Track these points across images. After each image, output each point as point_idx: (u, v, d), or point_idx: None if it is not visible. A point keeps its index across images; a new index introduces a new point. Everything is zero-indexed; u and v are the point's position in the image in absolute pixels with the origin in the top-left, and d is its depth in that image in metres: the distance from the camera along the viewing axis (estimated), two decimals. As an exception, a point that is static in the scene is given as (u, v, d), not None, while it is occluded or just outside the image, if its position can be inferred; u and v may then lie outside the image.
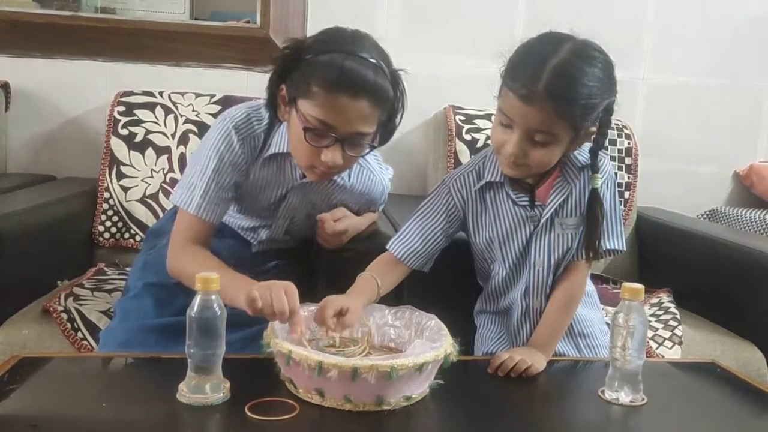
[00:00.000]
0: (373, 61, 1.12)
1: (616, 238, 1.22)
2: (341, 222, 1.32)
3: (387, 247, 1.21)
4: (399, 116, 1.24)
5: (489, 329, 1.29)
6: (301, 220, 1.38)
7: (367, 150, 1.20)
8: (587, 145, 1.16)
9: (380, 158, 1.46)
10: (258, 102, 1.28)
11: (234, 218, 1.40)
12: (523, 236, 1.20)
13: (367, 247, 1.36)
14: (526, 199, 1.19)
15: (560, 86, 1.02)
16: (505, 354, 1.09)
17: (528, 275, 1.21)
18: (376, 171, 1.41)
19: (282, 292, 0.98)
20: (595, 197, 1.15)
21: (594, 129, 1.11)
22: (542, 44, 1.07)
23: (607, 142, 1.19)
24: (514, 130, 1.07)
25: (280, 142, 1.26)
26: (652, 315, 1.59)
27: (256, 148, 1.27)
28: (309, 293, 1.32)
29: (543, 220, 1.18)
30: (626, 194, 1.98)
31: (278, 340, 0.92)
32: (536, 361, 1.08)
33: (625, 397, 0.97)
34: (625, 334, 0.96)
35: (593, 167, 1.14)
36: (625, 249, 1.23)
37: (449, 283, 1.38)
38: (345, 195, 1.38)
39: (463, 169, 1.24)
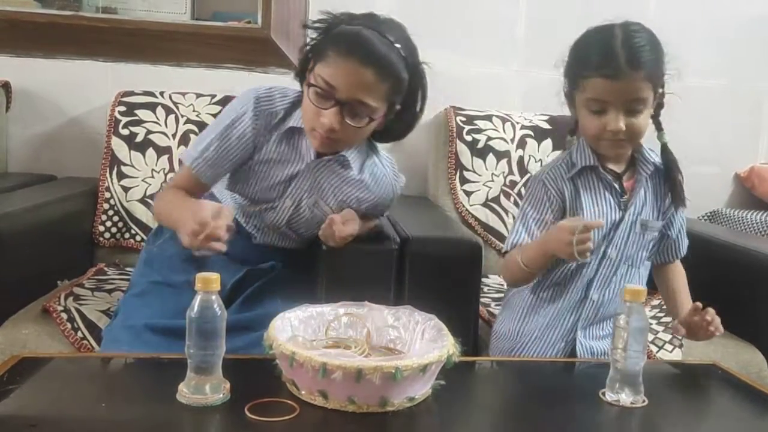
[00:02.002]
0: (391, 39, 1.19)
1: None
2: (349, 225, 1.30)
3: (508, 249, 1.28)
4: (418, 108, 1.29)
5: (524, 324, 1.32)
6: (308, 210, 1.37)
7: (367, 123, 1.23)
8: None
9: (395, 166, 1.46)
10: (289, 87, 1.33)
11: (239, 202, 1.39)
12: (610, 222, 1.26)
13: (367, 247, 1.36)
14: (616, 184, 1.27)
15: (636, 54, 1.16)
16: (711, 309, 1.17)
17: (597, 266, 1.27)
18: (389, 175, 1.41)
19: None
20: (666, 150, 1.29)
21: (661, 91, 1.24)
22: (598, 32, 1.21)
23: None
24: (609, 111, 1.18)
25: (299, 118, 1.29)
26: (653, 317, 1.59)
27: (270, 124, 1.30)
28: (310, 295, 1.33)
29: (631, 209, 1.26)
30: (627, 195, 1.99)
31: (281, 342, 0.92)
32: None
33: (626, 398, 0.97)
34: (626, 335, 0.96)
35: (657, 126, 1.29)
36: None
37: (449, 283, 1.38)
38: (354, 189, 1.37)
39: (551, 164, 1.32)
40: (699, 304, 1.17)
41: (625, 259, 1.28)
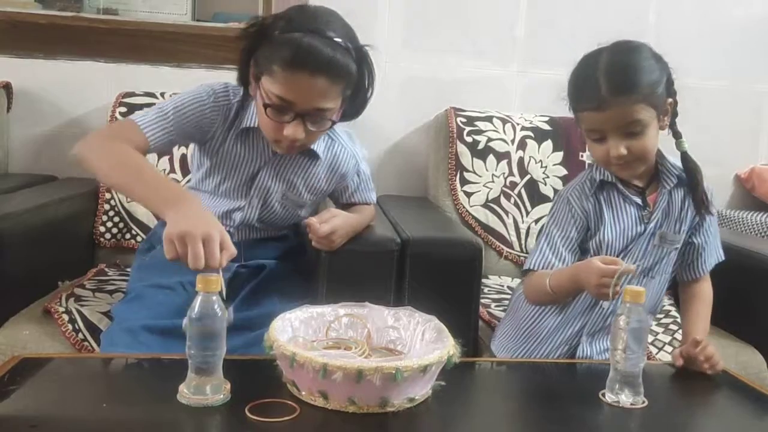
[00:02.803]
0: (332, 36, 1.15)
1: (719, 250, 1.34)
2: (327, 223, 1.28)
3: (533, 267, 1.27)
4: (369, 91, 1.28)
5: (534, 325, 1.32)
6: (278, 204, 1.38)
7: (329, 125, 1.24)
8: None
9: (353, 135, 1.46)
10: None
11: (209, 204, 1.39)
12: (631, 235, 1.26)
13: (367, 247, 1.36)
14: (638, 199, 1.27)
15: (619, 79, 1.14)
16: (711, 347, 1.12)
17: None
18: (347, 145, 1.42)
19: (200, 246, 0.97)
20: (686, 158, 1.27)
21: (671, 101, 1.22)
22: (584, 62, 1.20)
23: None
24: (608, 138, 1.18)
25: (252, 117, 1.29)
26: (653, 318, 1.59)
27: (228, 119, 1.30)
28: (308, 295, 1.33)
29: (653, 222, 1.26)
30: (627, 196, 1.99)
31: (282, 343, 0.92)
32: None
33: (625, 399, 0.97)
34: (626, 336, 0.96)
35: (675, 134, 1.26)
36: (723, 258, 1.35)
37: (450, 284, 1.38)
38: (318, 170, 1.39)
39: (576, 181, 1.32)
40: (698, 338, 1.14)
41: (641, 270, 1.27)
